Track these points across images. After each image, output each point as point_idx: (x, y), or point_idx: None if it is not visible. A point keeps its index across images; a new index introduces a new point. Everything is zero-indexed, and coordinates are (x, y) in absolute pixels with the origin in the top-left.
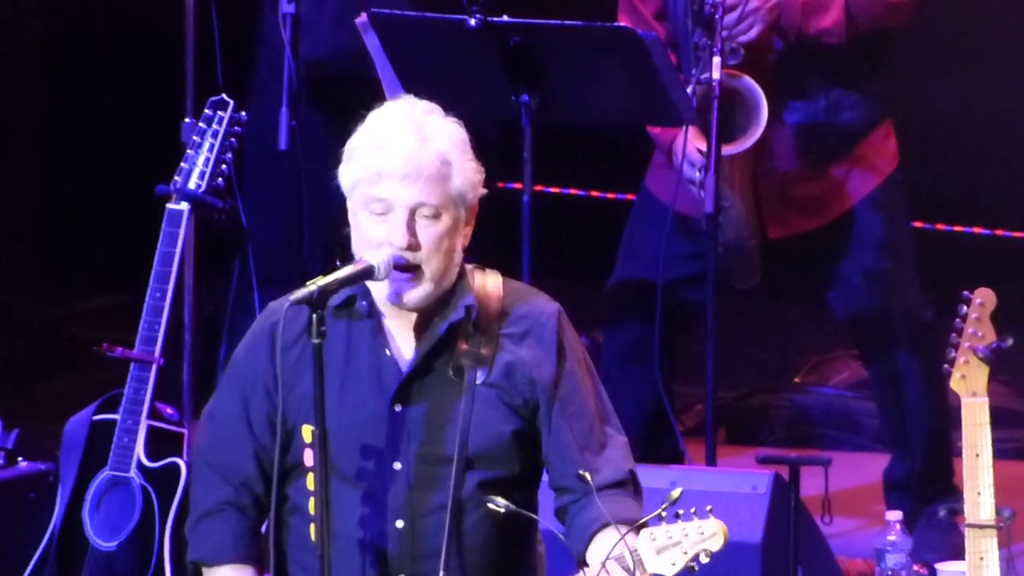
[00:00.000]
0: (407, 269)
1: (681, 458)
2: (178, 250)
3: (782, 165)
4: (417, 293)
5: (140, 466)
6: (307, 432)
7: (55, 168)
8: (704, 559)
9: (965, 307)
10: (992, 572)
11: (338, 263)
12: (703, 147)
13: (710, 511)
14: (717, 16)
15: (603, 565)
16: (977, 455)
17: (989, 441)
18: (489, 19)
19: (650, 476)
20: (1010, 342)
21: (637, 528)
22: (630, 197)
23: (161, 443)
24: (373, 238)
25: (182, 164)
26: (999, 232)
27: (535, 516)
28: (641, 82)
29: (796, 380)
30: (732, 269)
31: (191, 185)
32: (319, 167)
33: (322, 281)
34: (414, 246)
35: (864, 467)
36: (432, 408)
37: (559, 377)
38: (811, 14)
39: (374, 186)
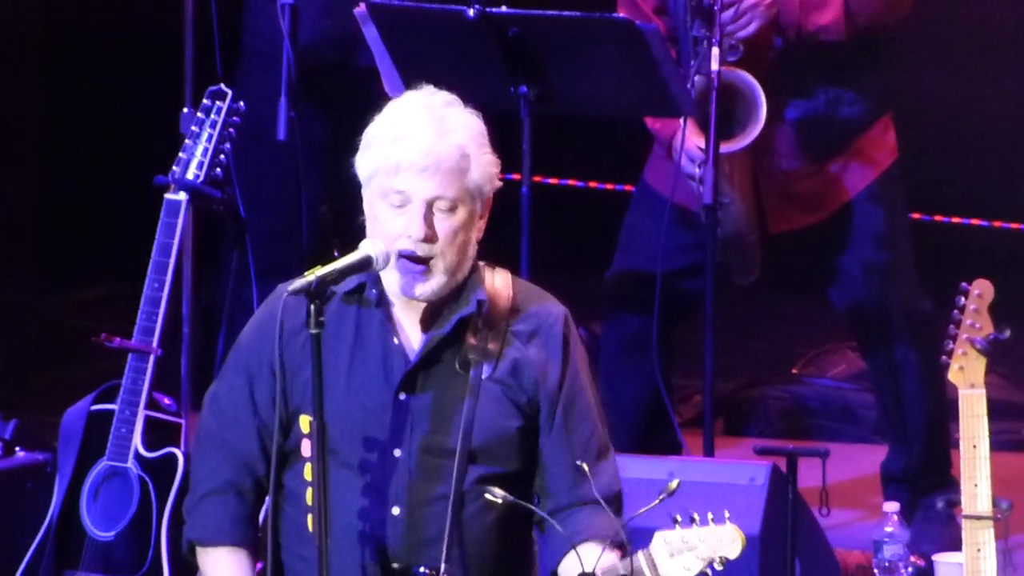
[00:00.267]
0: (422, 261)
1: (679, 449)
2: (176, 240)
3: (783, 162)
4: (430, 285)
5: (138, 456)
6: (305, 422)
7: (53, 160)
8: (718, 566)
9: (963, 299)
10: (989, 564)
11: (336, 253)
12: (702, 144)
13: (728, 517)
14: (716, 8)
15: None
16: (974, 447)
17: (986, 433)
18: (488, 10)
19: (648, 467)
20: (1008, 334)
21: (616, 546)
22: (629, 188)
23: (159, 433)
24: (391, 230)
25: (180, 154)
26: (997, 224)
27: (533, 507)
28: (640, 73)
29: (794, 372)
30: (731, 265)
31: (189, 175)
32: (305, 155)
33: (320, 271)
34: (430, 238)
35: (862, 459)
36: (437, 399)
37: (563, 380)
38: (810, 11)
39: (392, 177)
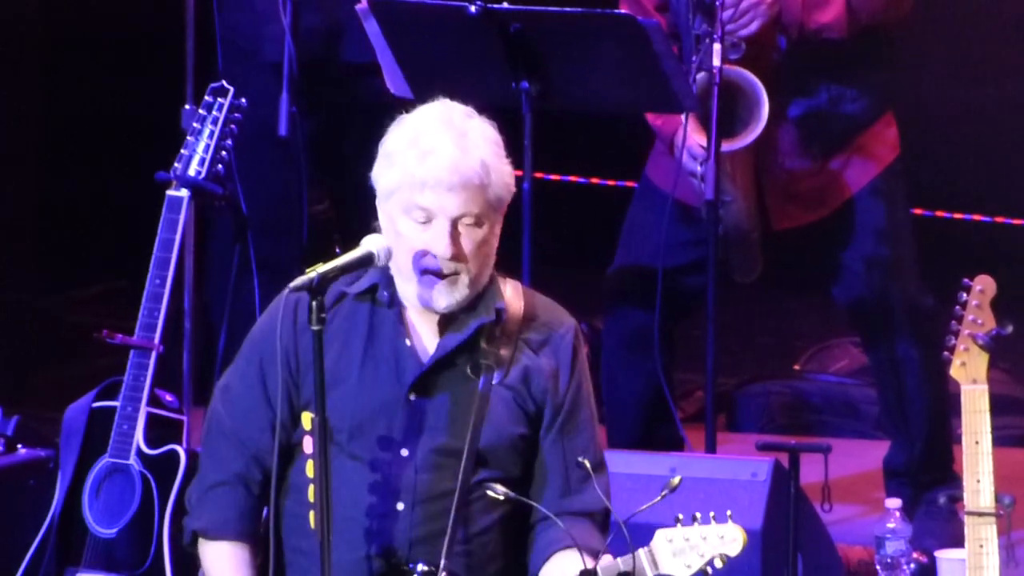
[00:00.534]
0: (447, 276)
1: (681, 445)
2: (178, 236)
3: (785, 160)
4: (455, 297)
5: (139, 453)
6: (307, 419)
7: (53, 157)
8: (719, 564)
9: (965, 294)
10: (992, 560)
11: (337, 250)
12: (703, 143)
13: (730, 516)
14: (718, 4)
15: None
16: (977, 442)
17: (989, 428)
18: (489, 6)
19: (650, 463)
20: (1010, 329)
21: (595, 555)
22: (630, 185)
23: (160, 430)
24: (415, 245)
25: (182, 151)
26: (999, 219)
27: (533, 503)
28: (642, 69)
29: (796, 367)
30: (733, 263)
31: (191, 172)
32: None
33: (322, 268)
34: (457, 256)
35: (864, 454)
36: (447, 401)
37: (568, 390)
38: (812, 9)
39: (417, 194)
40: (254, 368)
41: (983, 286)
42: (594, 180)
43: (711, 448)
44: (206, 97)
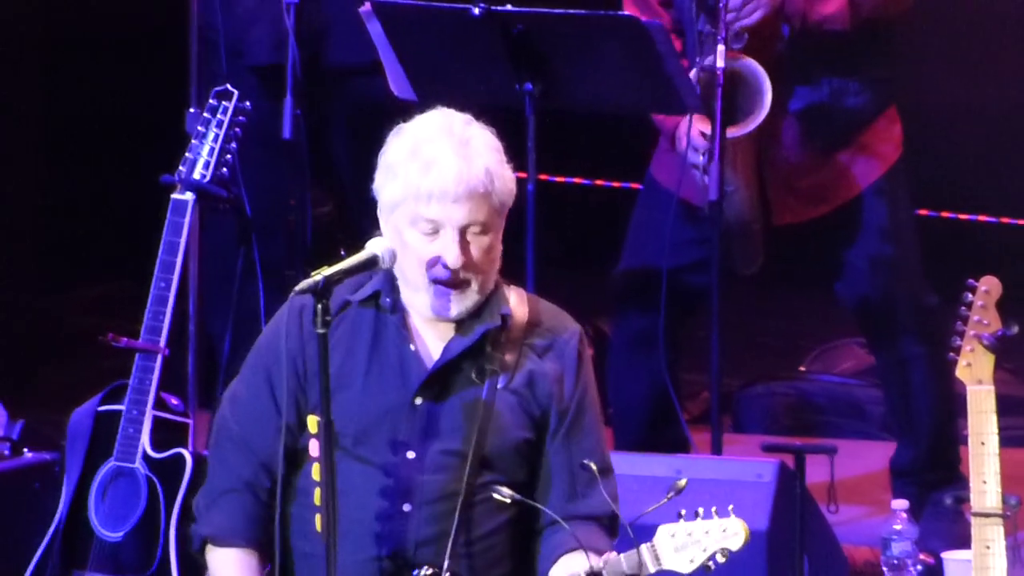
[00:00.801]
0: (455, 285)
1: (687, 446)
2: (183, 239)
3: (787, 152)
4: (465, 305)
5: (145, 457)
6: (312, 423)
7: (56, 157)
8: (721, 558)
9: (970, 295)
10: (998, 560)
11: (342, 252)
12: (707, 130)
13: (731, 510)
14: (721, 4)
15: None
16: (983, 443)
17: (995, 429)
18: (492, 8)
19: (655, 465)
20: (1015, 330)
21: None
22: (634, 186)
23: (166, 433)
24: (423, 256)
25: (186, 154)
26: (1005, 220)
27: (540, 505)
28: (645, 70)
29: (801, 368)
30: (734, 254)
31: (196, 175)
32: (277, 153)
33: (327, 271)
34: (467, 265)
35: (870, 455)
36: (453, 405)
37: (574, 394)
38: (815, 0)
39: (423, 206)
40: (261, 375)
41: (988, 287)
42: (598, 182)
43: (716, 449)
44: (210, 100)
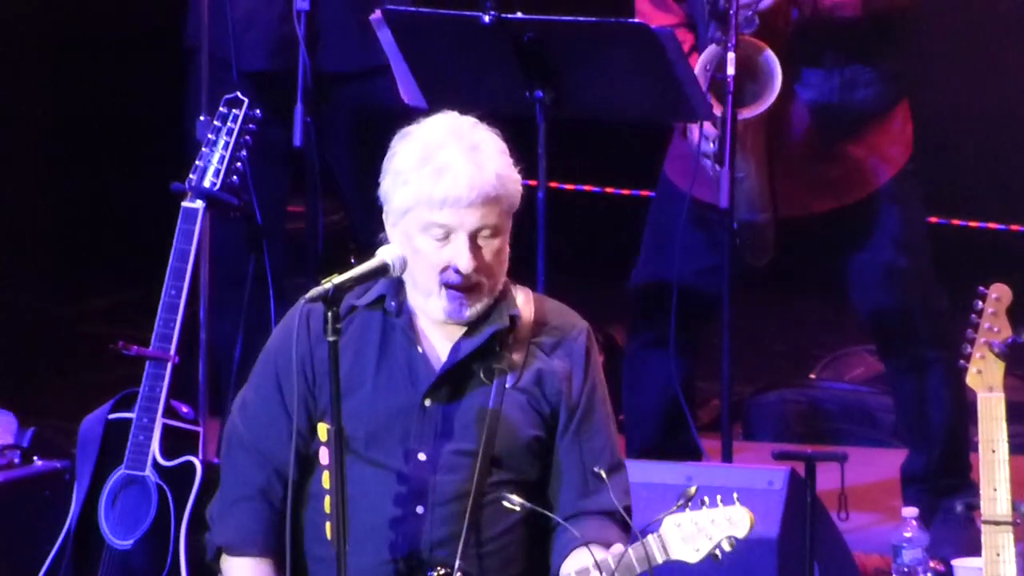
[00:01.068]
0: (468, 289)
1: (698, 454)
2: (193, 247)
3: (797, 141)
4: (477, 308)
5: (155, 464)
6: (322, 430)
7: (64, 166)
8: (727, 547)
9: (981, 302)
10: (1009, 568)
11: (352, 260)
12: (718, 112)
13: (736, 498)
14: (732, 11)
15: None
16: (993, 450)
17: (1005, 436)
18: (503, 15)
19: (666, 472)
20: None
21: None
22: (645, 194)
23: (176, 441)
24: (435, 262)
25: (197, 162)
26: (1015, 228)
27: (548, 513)
28: (655, 78)
29: (812, 376)
30: (745, 245)
31: (206, 183)
32: (270, 160)
33: (337, 278)
34: (480, 268)
35: (880, 462)
36: (462, 406)
37: (583, 391)
38: None
39: (435, 212)
40: (270, 382)
41: (999, 294)
42: (608, 189)
43: (727, 457)
44: (220, 108)
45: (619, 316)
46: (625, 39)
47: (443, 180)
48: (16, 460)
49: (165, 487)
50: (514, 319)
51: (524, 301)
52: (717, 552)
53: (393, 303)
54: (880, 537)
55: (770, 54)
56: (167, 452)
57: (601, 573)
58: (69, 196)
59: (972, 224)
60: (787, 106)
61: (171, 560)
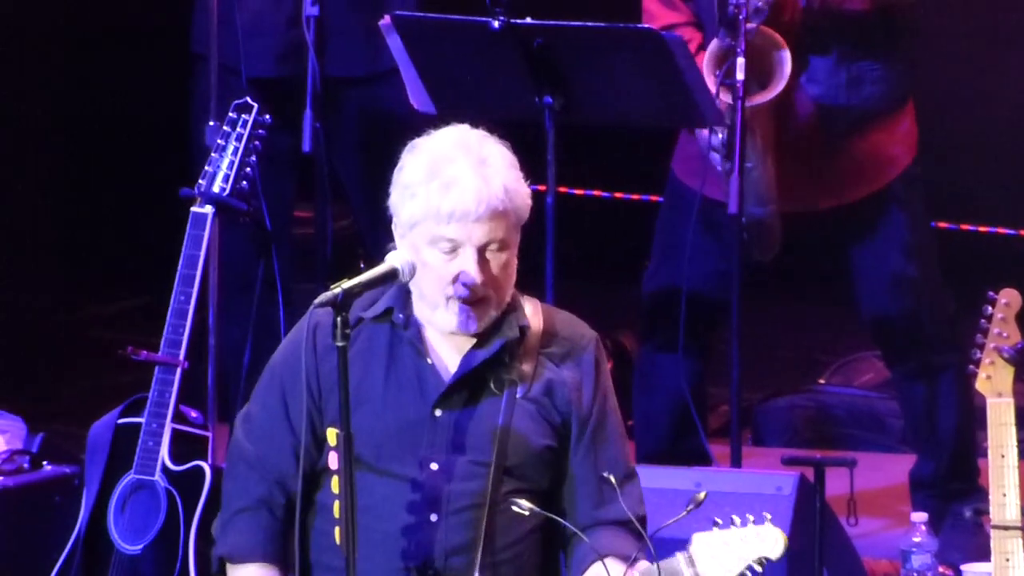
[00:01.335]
0: (475, 302)
1: (707, 459)
2: (202, 253)
3: (802, 135)
4: (485, 320)
5: (165, 469)
6: (332, 435)
7: (74, 172)
8: (758, 568)
9: (990, 307)
10: (1018, 573)
11: (361, 266)
12: (727, 99)
13: (768, 518)
14: (741, 17)
15: None
16: (1003, 455)
17: (1015, 441)
18: (512, 21)
19: (675, 478)
20: None
21: (631, 563)
22: (654, 199)
23: (185, 446)
24: (443, 275)
25: (206, 167)
26: (1023, 233)
27: (562, 520)
28: (665, 83)
29: (820, 381)
30: (752, 239)
31: (215, 188)
32: (274, 165)
33: (346, 284)
34: (487, 281)
35: (889, 468)
36: (472, 416)
37: (594, 401)
38: None
39: (443, 226)
40: (275, 394)
41: (1008, 299)
42: (617, 194)
43: (736, 462)
44: (230, 114)
45: (628, 321)
46: (634, 45)
47: (451, 194)
48: (26, 465)
49: (174, 492)
50: (523, 330)
51: (533, 312)
52: (748, 573)
53: (401, 315)
54: (889, 542)
55: (786, 52)
56: (176, 457)
57: None
58: (80, 202)
59: (981, 229)
60: (793, 98)
61: (180, 565)
